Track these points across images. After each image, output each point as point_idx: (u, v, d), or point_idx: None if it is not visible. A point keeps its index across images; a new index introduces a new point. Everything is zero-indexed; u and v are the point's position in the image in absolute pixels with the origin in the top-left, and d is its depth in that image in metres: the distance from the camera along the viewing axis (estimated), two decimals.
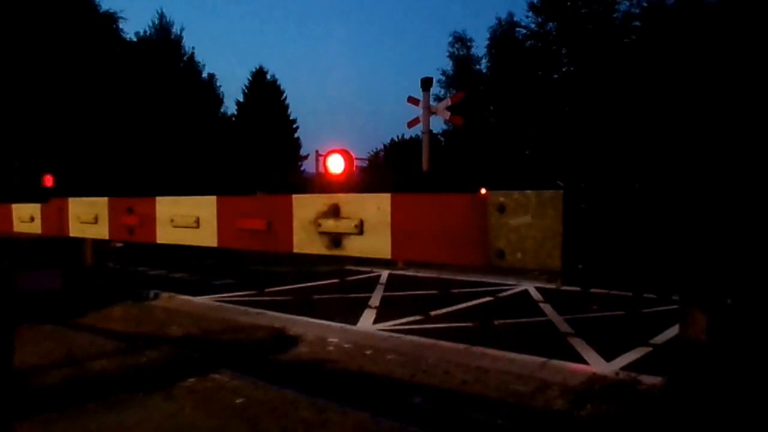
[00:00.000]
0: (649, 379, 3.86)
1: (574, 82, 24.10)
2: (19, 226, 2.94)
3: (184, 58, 29.10)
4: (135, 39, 26.63)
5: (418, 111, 13.20)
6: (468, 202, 1.41)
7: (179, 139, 24.24)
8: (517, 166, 23.63)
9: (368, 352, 4.78)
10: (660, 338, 5.32)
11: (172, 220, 2.17)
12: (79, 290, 6.69)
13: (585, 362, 4.60)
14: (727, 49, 18.05)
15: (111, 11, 23.13)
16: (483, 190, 1.62)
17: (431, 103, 13.36)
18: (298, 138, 35.56)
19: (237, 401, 3.51)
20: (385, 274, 10.08)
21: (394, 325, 5.99)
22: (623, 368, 4.32)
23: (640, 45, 22.07)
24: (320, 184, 15.97)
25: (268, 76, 34.56)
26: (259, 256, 11.24)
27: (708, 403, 1.07)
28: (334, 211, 1.66)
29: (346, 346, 5.03)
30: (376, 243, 1.59)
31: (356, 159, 16.04)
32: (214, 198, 2.05)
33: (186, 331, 5.60)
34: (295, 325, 5.81)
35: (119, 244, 11.42)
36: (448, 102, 14.14)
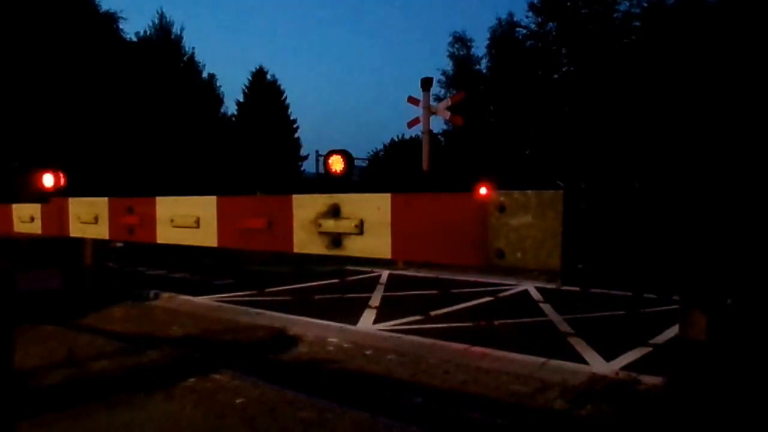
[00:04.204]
0: (649, 379, 3.86)
1: (574, 82, 24.09)
2: (19, 226, 2.94)
3: (184, 58, 29.10)
4: (135, 39, 26.64)
5: (418, 111, 13.21)
6: (468, 201, 1.41)
7: (179, 139, 24.23)
8: (517, 166, 23.60)
9: (368, 352, 4.77)
10: (660, 338, 5.31)
11: (172, 220, 2.18)
12: (79, 290, 6.68)
13: (585, 362, 4.60)
14: (727, 49, 18.05)
15: (111, 11, 23.17)
16: (483, 189, 1.61)
17: (431, 103, 13.37)
18: (298, 138, 35.71)
19: (237, 401, 3.51)
20: (385, 274, 10.07)
21: (394, 325, 5.99)
22: (623, 368, 4.32)
23: (640, 45, 22.07)
24: (321, 184, 15.97)
25: (268, 76, 34.75)
26: (259, 256, 11.22)
27: (708, 403, 1.07)
28: (334, 211, 1.67)
29: (346, 346, 5.03)
30: (376, 243, 1.59)
31: (356, 159, 16.04)
32: (214, 198, 2.05)
33: (186, 331, 5.60)
34: (295, 325, 5.80)
35: (119, 244, 11.41)
36: (448, 102, 14.16)
